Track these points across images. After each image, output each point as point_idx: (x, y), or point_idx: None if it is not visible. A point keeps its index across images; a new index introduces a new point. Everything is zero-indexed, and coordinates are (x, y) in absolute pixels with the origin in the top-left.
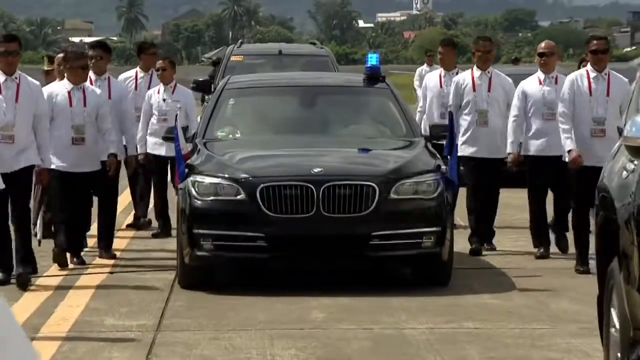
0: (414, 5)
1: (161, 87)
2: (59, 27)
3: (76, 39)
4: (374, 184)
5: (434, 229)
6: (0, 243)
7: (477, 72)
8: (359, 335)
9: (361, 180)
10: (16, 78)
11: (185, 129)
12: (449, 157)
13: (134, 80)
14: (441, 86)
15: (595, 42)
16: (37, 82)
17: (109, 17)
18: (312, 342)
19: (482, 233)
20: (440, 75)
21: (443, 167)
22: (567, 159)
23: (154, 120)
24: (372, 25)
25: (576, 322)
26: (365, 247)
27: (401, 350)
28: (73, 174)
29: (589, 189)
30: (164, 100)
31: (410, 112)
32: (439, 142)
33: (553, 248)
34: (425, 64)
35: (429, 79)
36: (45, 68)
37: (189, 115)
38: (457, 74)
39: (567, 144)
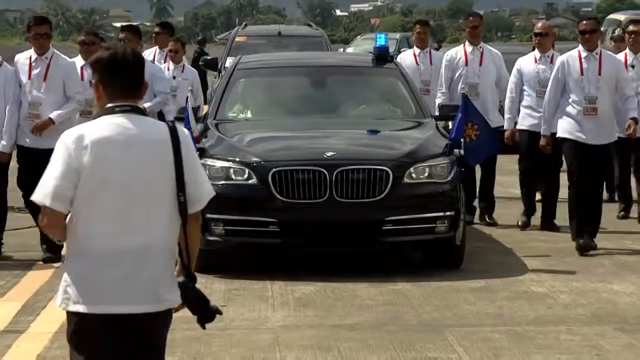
0: None
1: (170, 65)
2: (104, 15)
3: (118, 24)
4: (387, 168)
5: (447, 213)
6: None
7: (469, 47)
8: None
9: (375, 165)
10: (47, 58)
11: (196, 110)
12: (462, 140)
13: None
14: (417, 64)
15: (584, 22)
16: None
17: (143, 7)
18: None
19: (480, 208)
20: (414, 55)
21: (456, 150)
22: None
23: None
24: (346, 13)
25: (504, 242)
26: (379, 232)
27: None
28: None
29: (583, 165)
30: (173, 77)
31: (419, 92)
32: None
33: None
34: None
35: (405, 59)
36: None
37: (195, 92)
38: (429, 52)
39: (543, 130)
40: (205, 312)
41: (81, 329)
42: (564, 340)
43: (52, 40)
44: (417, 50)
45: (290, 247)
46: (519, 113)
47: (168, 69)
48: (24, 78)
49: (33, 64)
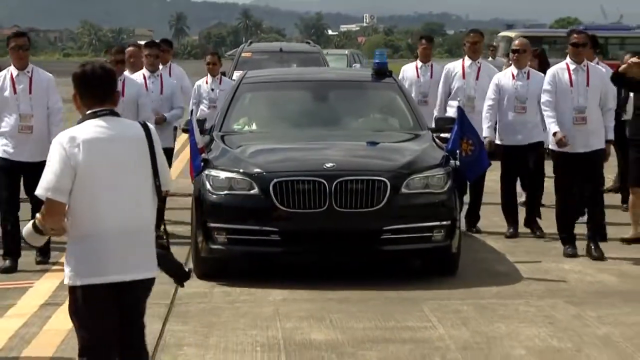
0: (365, 20)
1: (209, 78)
2: (131, 35)
3: (142, 42)
4: (385, 179)
5: (444, 222)
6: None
7: (467, 62)
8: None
9: (373, 175)
10: (28, 72)
11: (202, 122)
12: (458, 153)
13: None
14: (418, 76)
15: (575, 35)
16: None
17: (164, 27)
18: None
19: (469, 219)
20: (416, 67)
21: (452, 160)
22: (550, 145)
23: (204, 107)
24: (337, 33)
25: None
26: (377, 241)
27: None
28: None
29: (572, 174)
30: (212, 89)
31: (417, 105)
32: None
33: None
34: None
35: (407, 70)
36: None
37: None
38: (431, 66)
39: (552, 128)
40: (181, 273)
41: (89, 300)
42: (522, 311)
43: (88, 56)
44: (419, 64)
45: (290, 255)
46: (496, 124)
47: (206, 82)
48: (7, 93)
49: (15, 79)
